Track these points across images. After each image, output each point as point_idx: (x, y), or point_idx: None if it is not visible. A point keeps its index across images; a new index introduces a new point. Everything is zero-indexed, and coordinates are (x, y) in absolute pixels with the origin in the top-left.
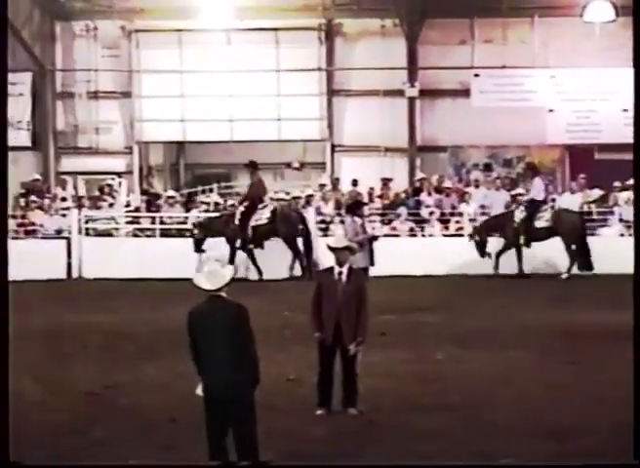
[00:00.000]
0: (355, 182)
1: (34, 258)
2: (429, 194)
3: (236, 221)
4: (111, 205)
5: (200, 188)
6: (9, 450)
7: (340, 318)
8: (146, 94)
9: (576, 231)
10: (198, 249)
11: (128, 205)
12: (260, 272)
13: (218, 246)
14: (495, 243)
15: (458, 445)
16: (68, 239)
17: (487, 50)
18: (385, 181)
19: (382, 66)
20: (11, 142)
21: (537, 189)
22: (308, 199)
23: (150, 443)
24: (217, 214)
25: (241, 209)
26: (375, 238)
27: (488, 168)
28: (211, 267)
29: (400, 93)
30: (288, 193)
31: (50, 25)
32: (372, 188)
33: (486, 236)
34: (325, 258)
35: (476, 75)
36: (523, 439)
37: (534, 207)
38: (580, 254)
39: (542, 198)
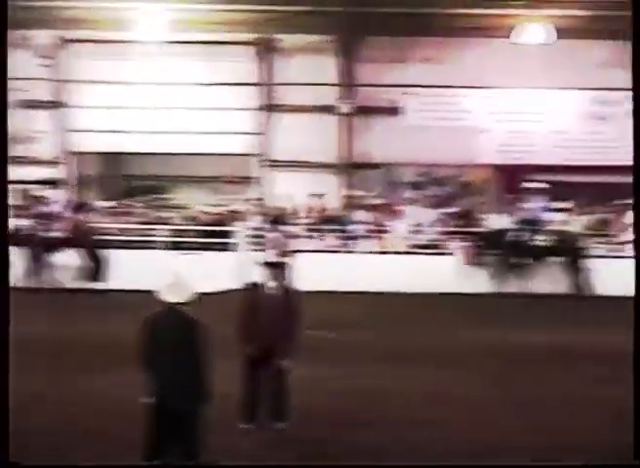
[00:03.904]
0: (287, 197)
1: None
2: (361, 211)
3: None
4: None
5: (135, 199)
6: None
7: (271, 332)
8: (81, 104)
9: None
10: None
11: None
12: None
13: None
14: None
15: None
16: None
17: (423, 69)
18: (316, 197)
19: (317, 82)
20: None
21: None
22: (239, 213)
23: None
24: None
25: None
26: (290, 252)
27: (419, 186)
28: (175, 280)
29: (334, 109)
30: (216, 206)
31: None
32: (307, 204)
33: None
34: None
35: (409, 94)
36: (447, 457)
37: None
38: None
39: None
